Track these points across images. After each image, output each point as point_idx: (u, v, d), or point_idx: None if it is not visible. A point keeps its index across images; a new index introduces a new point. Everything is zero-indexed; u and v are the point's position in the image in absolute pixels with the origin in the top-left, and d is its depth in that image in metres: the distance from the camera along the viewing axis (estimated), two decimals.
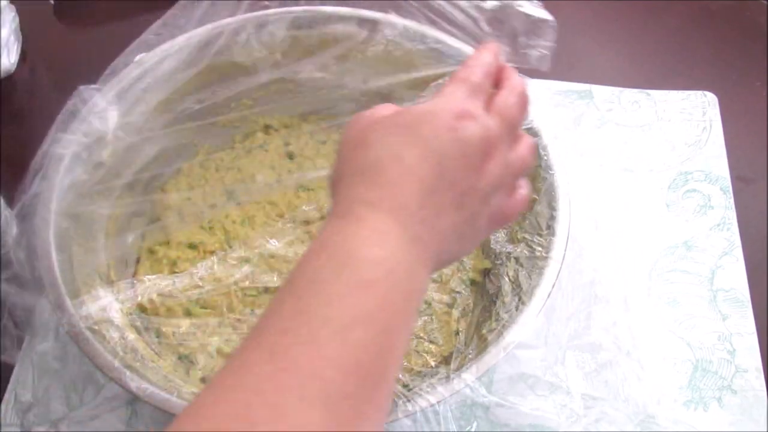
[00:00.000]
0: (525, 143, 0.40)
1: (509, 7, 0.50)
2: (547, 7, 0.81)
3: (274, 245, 0.56)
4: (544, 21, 0.50)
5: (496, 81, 0.40)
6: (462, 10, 0.52)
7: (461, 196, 0.36)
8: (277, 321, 0.31)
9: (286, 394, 0.28)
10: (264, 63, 0.60)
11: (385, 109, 0.38)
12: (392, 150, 0.35)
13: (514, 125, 0.39)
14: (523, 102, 0.40)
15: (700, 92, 0.73)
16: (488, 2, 0.50)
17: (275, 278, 0.56)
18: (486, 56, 0.40)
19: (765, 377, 0.56)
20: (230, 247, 0.58)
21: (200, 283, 0.55)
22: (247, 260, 0.56)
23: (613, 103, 0.72)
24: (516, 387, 0.53)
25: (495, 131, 0.37)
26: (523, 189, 0.41)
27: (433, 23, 0.56)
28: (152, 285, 0.53)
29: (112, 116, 0.53)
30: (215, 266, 0.55)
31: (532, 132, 0.54)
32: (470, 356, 0.46)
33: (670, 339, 0.57)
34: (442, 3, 0.52)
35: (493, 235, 0.58)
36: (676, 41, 0.79)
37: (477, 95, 0.38)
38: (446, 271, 0.57)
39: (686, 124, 0.71)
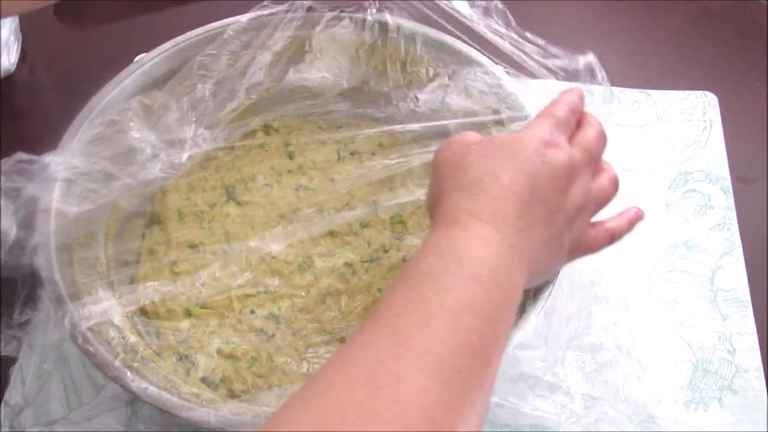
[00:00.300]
0: (607, 175, 0.45)
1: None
2: (547, 7, 0.82)
3: (275, 249, 0.56)
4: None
5: (577, 122, 0.46)
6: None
7: (550, 212, 0.41)
8: (392, 306, 0.36)
9: (405, 365, 0.32)
10: (264, 63, 0.60)
11: (473, 136, 0.44)
12: (490, 170, 0.40)
13: (595, 157, 0.44)
14: (602, 137, 0.45)
15: (700, 92, 0.73)
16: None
17: (276, 281, 0.56)
18: (572, 96, 0.46)
19: (765, 377, 0.56)
20: (230, 247, 0.58)
21: (202, 290, 0.55)
22: (248, 265, 0.56)
23: (613, 103, 0.72)
24: (516, 387, 0.53)
25: (578, 160, 0.42)
26: (611, 223, 0.46)
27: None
28: (154, 291, 0.53)
29: None
30: (217, 272, 0.55)
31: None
32: None
33: (670, 339, 0.57)
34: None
35: None
36: (676, 41, 0.79)
37: (561, 129, 0.43)
38: None
39: (686, 124, 0.71)
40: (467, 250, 0.37)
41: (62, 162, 0.51)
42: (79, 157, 0.52)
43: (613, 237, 0.46)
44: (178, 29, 0.61)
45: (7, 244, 0.55)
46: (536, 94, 0.73)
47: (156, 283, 0.54)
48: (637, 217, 0.48)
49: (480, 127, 0.56)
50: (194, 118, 0.58)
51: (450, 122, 0.56)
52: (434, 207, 0.43)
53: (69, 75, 0.76)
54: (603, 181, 0.45)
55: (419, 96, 0.61)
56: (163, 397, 0.43)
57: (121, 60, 0.62)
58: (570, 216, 0.42)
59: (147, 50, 0.60)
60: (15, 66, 0.75)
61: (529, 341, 0.54)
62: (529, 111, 0.55)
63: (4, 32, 0.73)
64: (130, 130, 0.54)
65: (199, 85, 0.58)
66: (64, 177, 0.51)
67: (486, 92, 0.56)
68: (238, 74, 0.60)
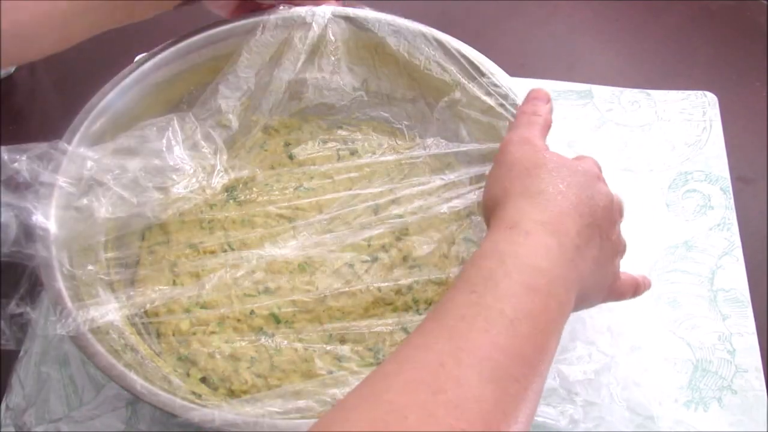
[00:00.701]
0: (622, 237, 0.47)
1: None
2: (547, 7, 0.82)
3: (278, 251, 0.56)
4: None
5: None
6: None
7: (602, 238, 0.42)
8: (454, 308, 0.36)
9: (465, 370, 0.33)
10: (260, 64, 0.60)
11: (539, 142, 0.46)
12: (557, 186, 0.42)
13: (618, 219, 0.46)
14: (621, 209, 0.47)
15: (700, 92, 0.73)
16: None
17: (276, 281, 0.56)
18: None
19: (765, 377, 0.56)
20: (231, 248, 0.58)
21: (206, 287, 0.55)
22: (253, 271, 0.56)
23: (613, 103, 0.72)
24: None
25: (617, 204, 0.45)
26: (636, 277, 0.49)
27: None
28: (161, 295, 0.53)
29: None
30: (227, 274, 0.55)
31: None
32: None
33: (670, 339, 0.57)
34: None
35: None
36: (676, 41, 0.79)
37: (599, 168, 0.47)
38: (445, 272, 0.57)
39: (686, 124, 0.71)
40: (528, 258, 0.38)
41: (92, 157, 0.52)
42: (112, 157, 0.53)
43: (637, 289, 0.49)
44: (178, 29, 0.61)
45: (8, 239, 0.55)
46: None
47: (165, 287, 0.54)
48: (646, 287, 0.51)
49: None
50: (221, 143, 0.60)
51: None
52: (493, 207, 0.43)
53: (69, 75, 0.76)
54: (622, 237, 0.47)
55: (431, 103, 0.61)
56: (164, 398, 0.43)
57: (121, 60, 0.62)
58: (614, 249, 0.44)
59: (147, 50, 0.60)
60: (15, 66, 0.75)
61: None
62: None
63: None
64: (166, 147, 0.55)
65: (223, 107, 0.60)
66: (90, 176, 0.52)
67: (507, 105, 0.56)
68: (259, 92, 0.60)
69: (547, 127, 0.48)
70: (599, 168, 0.46)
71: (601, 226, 0.42)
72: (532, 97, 0.50)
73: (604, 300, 0.47)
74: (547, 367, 0.37)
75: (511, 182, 0.43)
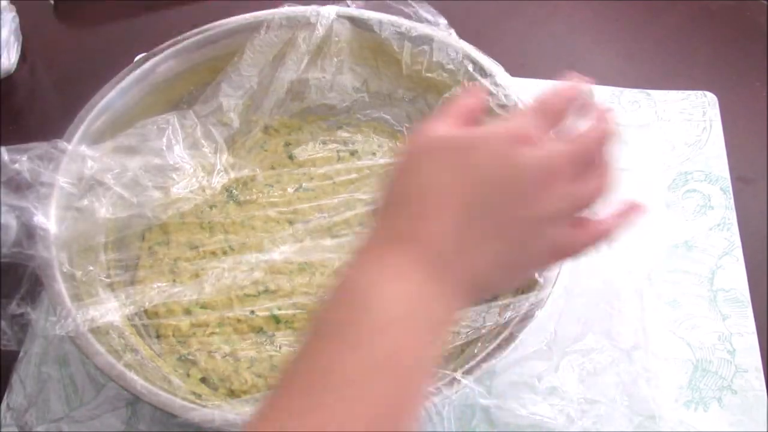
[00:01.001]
0: (600, 177, 0.39)
1: None
2: (547, 7, 0.82)
3: (279, 253, 0.56)
4: None
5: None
6: None
7: (502, 226, 0.35)
8: (303, 376, 0.32)
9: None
10: (263, 63, 0.60)
11: (442, 128, 0.37)
12: (436, 178, 0.35)
13: (588, 156, 0.38)
14: (603, 134, 0.39)
15: (700, 92, 0.73)
16: None
17: (277, 281, 0.56)
18: (571, 86, 0.40)
19: (765, 377, 0.56)
20: (231, 248, 0.58)
21: (205, 288, 0.55)
22: (253, 269, 0.56)
23: (613, 103, 0.72)
24: (516, 388, 0.53)
25: (559, 158, 0.36)
26: (602, 225, 0.40)
27: None
28: (160, 293, 0.53)
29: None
30: (225, 273, 0.55)
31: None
32: (470, 357, 0.46)
33: (670, 339, 0.57)
34: None
35: None
36: (676, 41, 0.79)
37: (546, 120, 0.37)
38: None
39: (686, 124, 0.71)
40: (379, 287, 0.33)
41: (92, 156, 0.51)
42: (112, 156, 0.53)
43: (599, 239, 0.40)
44: (178, 29, 0.61)
45: (9, 240, 0.55)
46: (536, 94, 0.73)
47: (165, 284, 0.54)
48: (635, 214, 0.42)
49: None
50: (222, 142, 0.60)
51: None
52: (374, 222, 0.37)
53: (69, 75, 0.76)
54: (593, 184, 0.38)
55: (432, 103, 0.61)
56: (164, 398, 0.43)
57: (121, 60, 0.62)
58: (538, 223, 0.36)
59: (147, 50, 0.60)
60: (15, 66, 0.75)
61: (530, 342, 0.54)
62: None
63: (4, 32, 0.73)
64: (166, 146, 0.55)
65: (224, 105, 0.59)
66: (90, 176, 0.51)
67: (508, 105, 0.56)
68: (261, 91, 0.60)
69: (469, 110, 0.40)
70: (537, 115, 0.38)
71: (498, 211, 0.35)
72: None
73: (553, 264, 0.41)
74: (419, 403, 0.34)
75: (391, 187, 0.37)
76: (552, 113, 0.38)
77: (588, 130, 0.39)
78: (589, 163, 0.38)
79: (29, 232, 0.49)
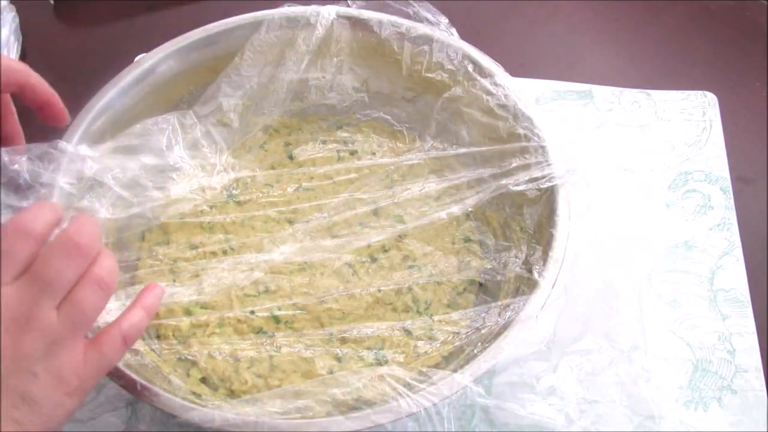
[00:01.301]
0: (90, 284, 0.38)
1: None
2: (547, 7, 0.82)
3: (279, 253, 0.56)
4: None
5: None
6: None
7: None
8: None
9: None
10: (263, 64, 0.60)
11: None
12: None
13: (59, 280, 0.37)
14: (66, 249, 0.37)
15: (700, 92, 0.73)
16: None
17: (276, 281, 0.56)
18: (29, 215, 0.38)
19: (765, 377, 0.56)
20: (231, 248, 0.58)
21: (205, 289, 0.55)
22: (253, 269, 0.56)
23: (613, 103, 0.72)
24: (516, 388, 0.53)
25: (18, 300, 0.36)
26: (123, 323, 0.40)
27: None
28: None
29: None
30: (225, 273, 0.55)
31: (534, 137, 0.54)
32: (470, 357, 0.46)
33: (670, 339, 0.57)
34: None
35: (492, 236, 0.58)
36: (676, 41, 0.79)
37: (4, 268, 0.36)
38: (445, 271, 0.57)
39: (686, 124, 0.71)
40: None
41: (92, 157, 0.51)
42: (111, 156, 0.53)
43: (126, 340, 0.40)
44: (178, 29, 0.61)
45: None
46: (536, 94, 0.73)
47: (163, 284, 0.54)
48: (156, 297, 0.43)
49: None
50: (222, 142, 0.60)
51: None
52: None
53: (69, 75, 0.76)
54: (82, 295, 0.38)
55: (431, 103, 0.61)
56: (164, 398, 0.43)
57: (121, 60, 0.62)
58: (27, 369, 0.36)
59: (147, 50, 0.60)
60: None
61: (529, 342, 0.54)
62: (543, 133, 0.55)
63: (4, 32, 0.73)
64: (166, 146, 0.55)
65: (224, 105, 0.59)
66: (90, 176, 0.51)
67: (508, 106, 0.56)
68: (261, 91, 0.60)
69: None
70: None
71: None
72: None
73: (83, 391, 0.39)
74: None
75: None
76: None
77: (46, 254, 0.37)
78: (67, 284, 0.37)
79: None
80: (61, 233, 0.38)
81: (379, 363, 0.52)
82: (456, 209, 0.57)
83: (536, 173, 0.53)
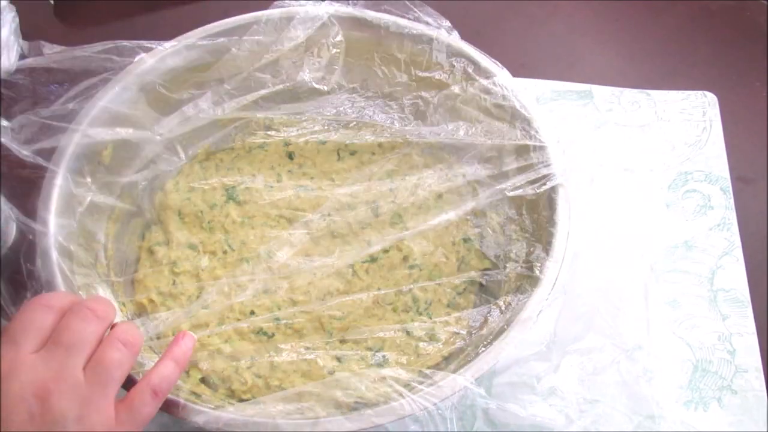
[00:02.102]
0: (110, 347, 0.39)
1: None
2: (547, 7, 0.82)
3: (280, 254, 0.56)
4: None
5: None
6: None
7: None
8: None
9: None
10: (261, 63, 0.60)
11: None
12: None
13: (81, 344, 0.39)
14: (86, 317, 0.40)
15: (700, 92, 0.73)
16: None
17: (280, 282, 0.56)
18: (41, 302, 0.40)
19: (765, 377, 0.56)
20: (231, 248, 0.58)
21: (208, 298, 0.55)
22: (253, 270, 0.56)
23: (613, 103, 0.72)
24: (516, 389, 0.53)
25: (45, 372, 0.37)
26: (152, 377, 0.41)
27: None
28: (168, 320, 0.53)
29: None
30: (225, 288, 0.55)
31: (533, 137, 0.54)
32: (470, 357, 0.46)
33: (670, 339, 0.57)
34: None
35: (493, 236, 0.58)
36: (676, 41, 0.79)
37: (22, 341, 0.38)
38: (445, 271, 0.57)
39: (686, 124, 0.71)
40: None
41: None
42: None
43: (157, 393, 0.41)
44: (178, 29, 0.61)
45: (7, 243, 0.55)
46: (536, 94, 0.73)
47: (169, 313, 0.54)
48: (186, 347, 0.44)
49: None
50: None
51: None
52: None
53: (69, 75, 0.76)
54: (106, 354, 0.39)
55: (429, 101, 0.61)
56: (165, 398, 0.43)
57: (121, 60, 0.62)
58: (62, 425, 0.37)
59: (147, 50, 0.60)
60: (15, 66, 0.75)
61: (530, 342, 0.54)
62: (542, 133, 0.55)
63: (4, 32, 0.73)
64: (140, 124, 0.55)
65: (224, 105, 0.60)
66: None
67: (505, 105, 0.56)
68: (259, 89, 0.61)
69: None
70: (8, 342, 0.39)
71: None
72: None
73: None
74: None
75: None
76: (26, 330, 0.39)
77: (68, 325, 0.39)
78: (91, 344, 0.39)
79: (29, 233, 0.49)
80: (78, 303, 0.41)
81: (380, 364, 0.52)
82: (454, 215, 0.57)
83: (533, 175, 0.53)
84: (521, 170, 0.54)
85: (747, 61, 0.77)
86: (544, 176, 0.53)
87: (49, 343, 0.38)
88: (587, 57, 0.78)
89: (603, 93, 0.73)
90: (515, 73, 0.59)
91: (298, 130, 0.65)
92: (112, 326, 0.41)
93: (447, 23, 0.59)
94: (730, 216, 0.64)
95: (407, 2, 0.60)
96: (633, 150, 0.69)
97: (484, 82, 0.57)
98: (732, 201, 0.65)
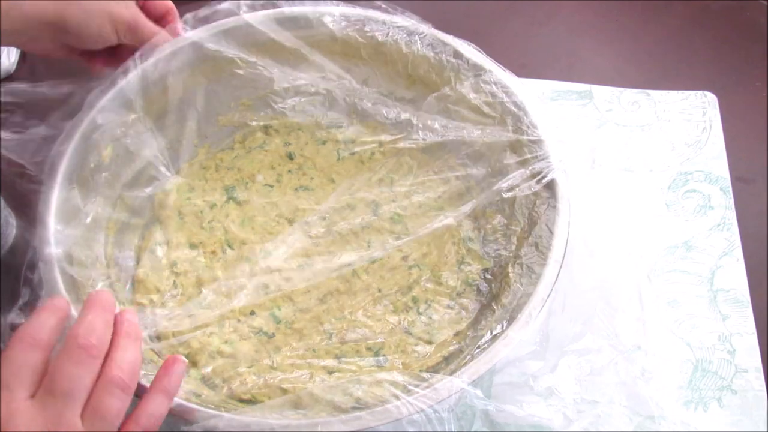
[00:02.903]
0: (107, 383, 0.38)
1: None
2: (547, 7, 0.82)
3: (279, 253, 0.56)
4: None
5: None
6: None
7: None
8: None
9: None
10: (261, 63, 0.61)
11: None
12: None
13: (76, 392, 0.38)
14: (74, 354, 0.38)
15: (700, 92, 0.73)
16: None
17: (280, 282, 0.56)
18: (38, 321, 0.39)
19: (765, 377, 0.56)
20: (231, 248, 0.58)
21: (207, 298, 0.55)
22: (253, 270, 0.56)
23: (613, 103, 0.72)
24: (515, 389, 0.53)
25: (42, 411, 0.37)
26: (142, 413, 0.40)
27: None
28: (168, 320, 0.53)
29: None
30: (225, 288, 0.55)
31: (534, 138, 0.54)
32: (469, 358, 0.46)
33: (670, 339, 0.57)
34: None
35: (492, 236, 0.58)
36: (676, 41, 0.79)
37: (17, 379, 0.37)
38: (445, 272, 0.57)
39: (686, 124, 0.71)
40: None
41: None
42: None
43: (150, 424, 0.40)
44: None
45: (8, 240, 0.55)
46: (536, 95, 0.73)
47: (166, 311, 0.54)
48: (176, 376, 0.42)
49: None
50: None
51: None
52: None
53: (69, 75, 0.76)
54: (103, 402, 0.38)
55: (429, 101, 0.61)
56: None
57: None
58: None
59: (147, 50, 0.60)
60: (15, 66, 0.75)
61: (529, 343, 0.54)
62: (541, 132, 0.55)
63: None
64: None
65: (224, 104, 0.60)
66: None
67: (495, 103, 0.56)
68: (260, 90, 0.61)
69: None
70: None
71: None
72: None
73: None
74: None
75: None
76: (22, 362, 0.38)
77: (58, 365, 0.38)
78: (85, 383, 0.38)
79: (29, 235, 0.49)
80: (68, 338, 0.39)
81: (379, 364, 0.52)
82: (453, 215, 0.57)
83: (529, 174, 0.53)
84: (516, 167, 0.55)
85: (747, 61, 0.77)
86: (541, 172, 0.53)
87: (44, 391, 0.37)
88: (587, 57, 0.78)
89: (603, 93, 0.73)
90: (515, 74, 0.59)
91: (297, 130, 0.66)
92: (114, 324, 0.41)
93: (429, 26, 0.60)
94: (730, 216, 0.64)
95: (397, 5, 0.60)
96: (633, 150, 0.69)
97: (480, 80, 0.57)
98: (732, 201, 0.65)
